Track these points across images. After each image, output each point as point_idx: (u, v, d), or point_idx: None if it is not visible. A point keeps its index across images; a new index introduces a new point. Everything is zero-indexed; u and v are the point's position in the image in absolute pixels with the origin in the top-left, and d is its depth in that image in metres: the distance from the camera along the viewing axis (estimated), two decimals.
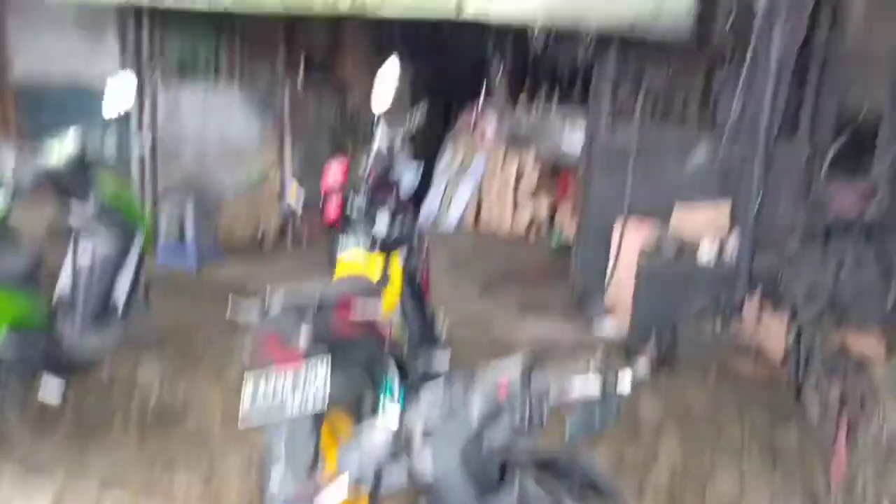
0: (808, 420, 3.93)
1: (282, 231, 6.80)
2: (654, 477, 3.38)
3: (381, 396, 3.29)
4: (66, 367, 3.70)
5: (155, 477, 3.36)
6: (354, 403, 3.25)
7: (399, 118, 3.77)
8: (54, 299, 3.93)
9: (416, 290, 3.96)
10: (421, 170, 8.09)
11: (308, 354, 2.65)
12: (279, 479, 2.47)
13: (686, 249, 4.80)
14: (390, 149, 3.61)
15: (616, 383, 1.43)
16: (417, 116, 3.75)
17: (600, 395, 1.41)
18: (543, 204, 7.89)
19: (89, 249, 3.97)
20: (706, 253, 4.75)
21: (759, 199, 4.48)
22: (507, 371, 1.45)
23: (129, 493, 3.24)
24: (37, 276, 3.75)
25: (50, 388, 3.55)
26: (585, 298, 5.50)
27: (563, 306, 5.58)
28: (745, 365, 4.43)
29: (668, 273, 4.74)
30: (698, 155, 5.16)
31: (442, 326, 3.96)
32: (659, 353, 4.56)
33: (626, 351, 4.76)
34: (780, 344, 4.39)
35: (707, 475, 3.44)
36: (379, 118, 3.56)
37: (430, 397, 1.55)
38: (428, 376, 3.62)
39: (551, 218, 7.90)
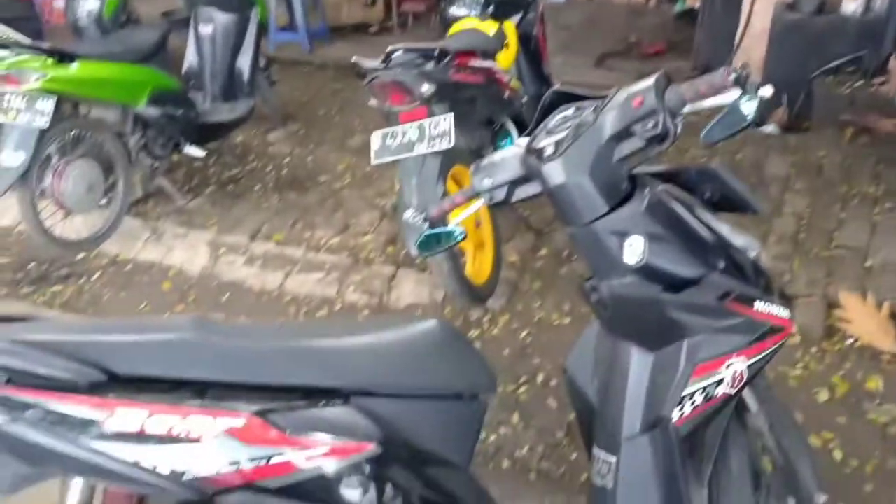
0: None
1: (387, 11, 6.69)
2: (779, 226, 3.35)
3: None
4: (202, 134, 3.95)
5: (296, 230, 3.64)
6: (476, 159, 3.34)
7: None
8: (184, 71, 4.12)
9: (532, 54, 3.87)
10: None
11: (429, 101, 2.69)
12: (413, 212, 2.62)
13: (828, 1, 4.37)
14: None
15: (756, 89, 1.36)
16: None
17: (738, 100, 1.34)
18: None
19: (210, 24, 4.08)
20: (852, 3, 4.31)
21: None
22: (643, 85, 1.40)
23: (274, 244, 3.55)
24: (165, 50, 3.91)
25: (192, 150, 3.83)
26: (711, 66, 5.20)
27: (685, 77, 5.30)
28: (885, 123, 4.15)
29: (806, 26, 4.36)
30: None
31: None
32: (791, 111, 4.33)
33: None
34: None
35: (835, 225, 3.37)
36: None
37: (562, 115, 1.54)
38: None
39: None
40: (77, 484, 1.17)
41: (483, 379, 1.32)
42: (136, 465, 1.01)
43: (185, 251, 3.56)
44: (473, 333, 2.87)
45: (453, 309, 3.00)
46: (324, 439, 1.10)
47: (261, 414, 1.08)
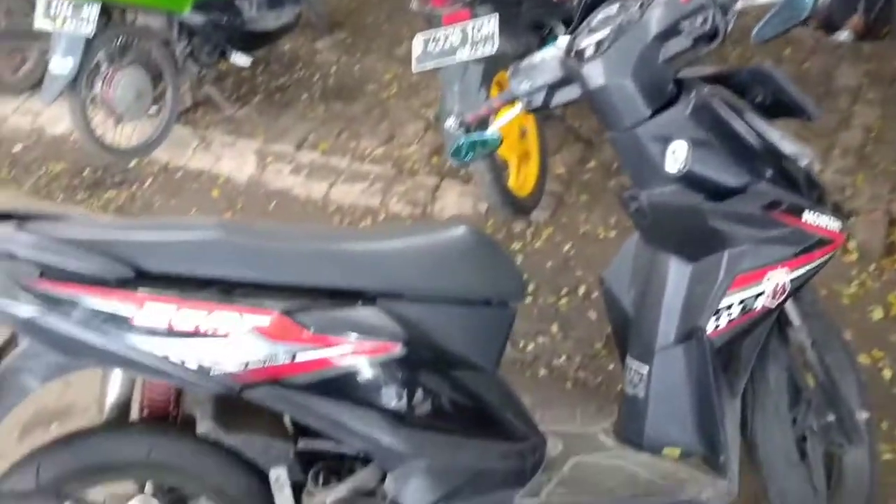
0: None
1: None
2: (846, 139, 3.18)
3: None
4: (248, 42, 3.90)
5: (341, 140, 3.62)
6: None
7: None
8: None
9: None
10: None
11: (472, 2, 2.58)
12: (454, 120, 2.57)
13: None
14: None
15: None
16: None
17: None
18: None
19: None
20: None
21: None
22: None
23: (320, 154, 3.55)
24: None
25: (239, 58, 3.80)
26: None
27: None
28: None
29: None
30: None
31: None
32: (868, 17, 4.02)
33: (827, 23, 4.24)
34: None
35: None
36: None
37: (606, 13, 1.44)
38: None
39: None
40: (117, 376, 1.21)
41: (513, 286, 1.31)
42: (165, 358, 1.03)
43: (233, 159, 3.59)
44: (516, 245, 2.84)
45: (496, 221, 2.97)
46: (349, 338, 1.11)
47: (287, 312, 1.09)
